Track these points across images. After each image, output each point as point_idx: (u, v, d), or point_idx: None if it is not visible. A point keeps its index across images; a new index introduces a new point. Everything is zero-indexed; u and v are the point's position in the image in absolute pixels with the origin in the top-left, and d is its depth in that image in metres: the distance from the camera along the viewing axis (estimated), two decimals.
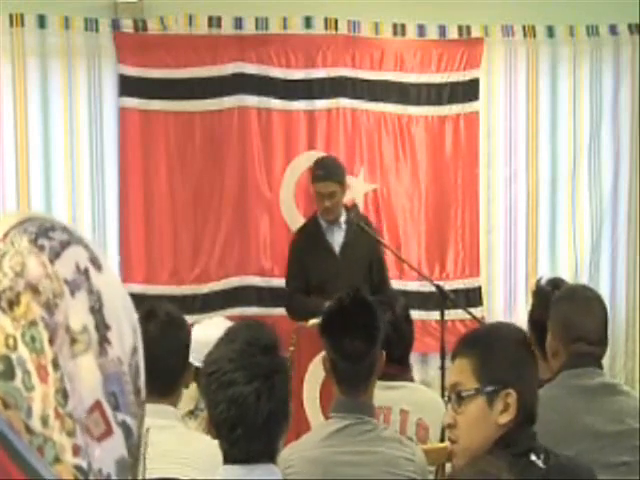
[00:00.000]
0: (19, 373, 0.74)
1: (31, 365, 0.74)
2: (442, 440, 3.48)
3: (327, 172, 5.38)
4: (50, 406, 0.74)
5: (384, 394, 3.27)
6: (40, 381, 0.75)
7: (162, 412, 2.69)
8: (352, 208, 5.58)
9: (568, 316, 3.03)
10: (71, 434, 0.75)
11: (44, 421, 0.74)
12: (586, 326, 3.02)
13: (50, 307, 0.76)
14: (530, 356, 2.38)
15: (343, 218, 5.45)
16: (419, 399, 3.58)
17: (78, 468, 0.74)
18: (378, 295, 4.09)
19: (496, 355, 2.31)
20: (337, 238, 5.46)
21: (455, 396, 2.29)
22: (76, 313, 0.77)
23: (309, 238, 5.47)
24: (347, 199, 5.68)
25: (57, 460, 0.74)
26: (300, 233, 5.61)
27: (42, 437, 0.74)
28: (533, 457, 2.23)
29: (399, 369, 3.59)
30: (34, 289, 0.76)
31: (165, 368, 2.75)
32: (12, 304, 0.75)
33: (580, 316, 3.03)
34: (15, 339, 0.75)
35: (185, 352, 2.88)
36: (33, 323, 0.75)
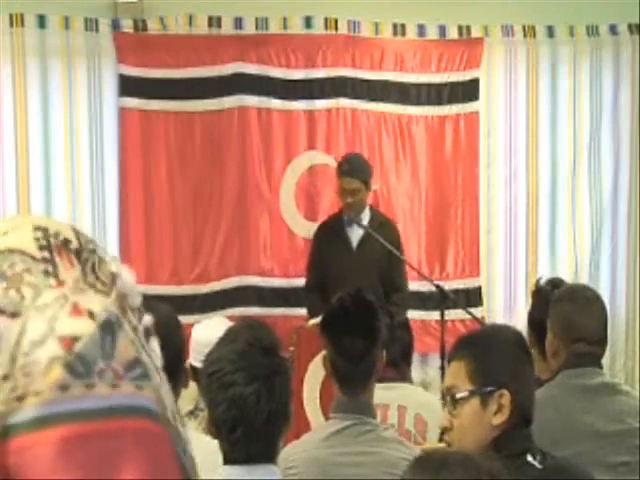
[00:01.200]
0: (151, 374, 0.81)
1: (152, 366, 0.82)
2: (441, 440, 3.50)
3: (352, 168, 5.40)
4: (171, 402, 0.82)
5: (382, 393, 3.28)
6: (160, 379, 0.82)
7: None
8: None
9: (568, 316, 3.03)
10: (183, 425, 0.83)
11: (173, 415, 0.81)
12: (586, 326, 3.02)
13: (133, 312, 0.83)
14: (526, 357, 2.38)
15: (367, 215, 5.44)
16: (417, 397, 3.62)
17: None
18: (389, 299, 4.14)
19: (490, 357, 2.32)
20: (357, 234, 5.46)
21: (450, 398, 2.30)
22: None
23: (330, 231, 5.51)
24: None
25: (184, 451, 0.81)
26: (322, 226, 5.65)
27: (174, 429, 0.81)
28: (529, 458, 2.23)
29: (397, 374, 3.62)
30: (124, 297, 0.82)
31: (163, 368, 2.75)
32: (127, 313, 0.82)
33: (580, 316, 3.03)
34: (142, 344, 0.82)
35: (180, 353, 2.87)
36: (136, 330, 0.82)
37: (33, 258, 0.79)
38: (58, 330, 0.76)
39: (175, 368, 2.84)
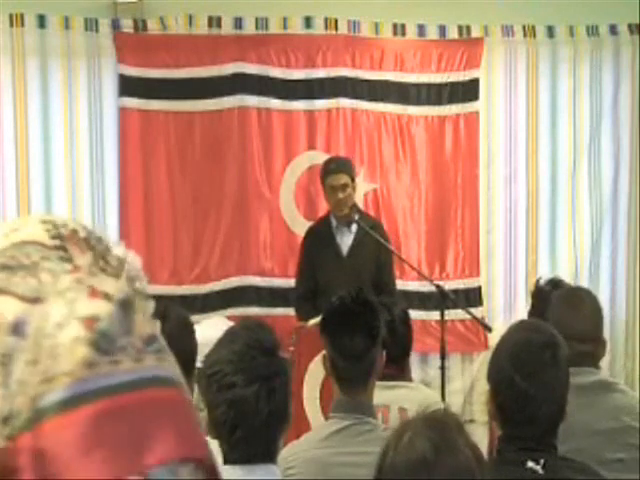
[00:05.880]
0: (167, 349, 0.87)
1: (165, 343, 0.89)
2: None
3: (339, 165, 5.40)
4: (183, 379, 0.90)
5: (382, 393, 3.28)
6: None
7: None
8: (352, 208, 5.56)
9: (561, 316, 3.06)
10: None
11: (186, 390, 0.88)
12: (579, 325, 3.04)
13: None
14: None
15: (355, 218, 5.40)
16: (418, 397, 3.60)
17: None
18: (378, 297, 4.10)
19: None
20: (346, 240, 5.42)
21: None
22: None
23: (318, 238, 5.44)
24: None
25: None
26: (310, 232, 5.56)
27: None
28: (530, 464, 2.23)
29: (396, 370, 3.61)
30: None
31: None
32: None
33: (572, 316, 3.05)
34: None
35: (194, 355, 2.87)
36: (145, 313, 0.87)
37: (46, 246, 0.82)
38: (79, 312, 0.78)
39: (188, 370, 2.85)
